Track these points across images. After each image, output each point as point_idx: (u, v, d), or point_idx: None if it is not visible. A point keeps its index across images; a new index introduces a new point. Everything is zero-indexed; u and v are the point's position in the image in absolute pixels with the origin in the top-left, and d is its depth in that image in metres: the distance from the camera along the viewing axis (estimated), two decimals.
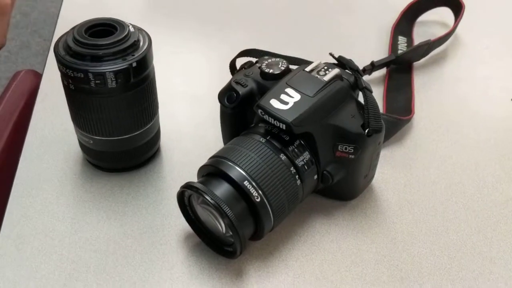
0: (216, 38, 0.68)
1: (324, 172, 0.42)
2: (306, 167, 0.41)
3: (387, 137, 0.52)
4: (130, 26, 0.44)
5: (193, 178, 0.42)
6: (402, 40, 0.66)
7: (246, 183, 0.38)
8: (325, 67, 0.43)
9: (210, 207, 0.39)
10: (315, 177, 0.42)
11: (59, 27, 0.68)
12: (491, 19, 0.73)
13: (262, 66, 0.45)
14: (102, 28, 0.43)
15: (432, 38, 0.62)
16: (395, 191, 0.48)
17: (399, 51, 0.65)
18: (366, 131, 0.41)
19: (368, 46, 0.67)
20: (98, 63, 0.41)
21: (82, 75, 0.41)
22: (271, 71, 0.44)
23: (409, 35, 0.67)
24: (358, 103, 0.43)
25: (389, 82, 0.59)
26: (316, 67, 0.43)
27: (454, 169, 0.51)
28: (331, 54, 0.45)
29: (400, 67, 0.61)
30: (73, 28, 0.43)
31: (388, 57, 0.60)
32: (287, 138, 0.41)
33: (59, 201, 0.46)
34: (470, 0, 0.67)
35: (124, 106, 0.44)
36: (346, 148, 0.41)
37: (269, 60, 0.45)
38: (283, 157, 0.40)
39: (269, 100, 0.41)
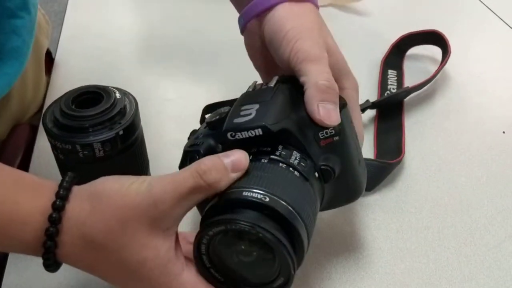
0: (209, 82, 0.69)
1: (322, 167, 0.40)
2: (302, 164, 0.38)
3: (378, 182, 0.52)
4: (117, 93, 0.45)
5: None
6: (392, 73, 0.67)
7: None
8: (264, 83, 0.43)
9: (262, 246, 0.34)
10: (316, 174, 0.39)
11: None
12: (481, 52, 0.74)
13: (207, 120, 0.43)
14: (89, 96, 0.44)
15: (423, 73, 0.63)
16: (387, 238, 0.48)
17: (389, 86, 0.65)
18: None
19: (358, 81, 0.67)
20: (85, 134, 0.42)
21: (70, 147, 0.42)
22: (217, 117, 0.41)
23: (399, 68, 0.68)
24: None
25: (379, 124, 0.59)
26: (255, 84, 0.44)
27: (446, 211, 0.51)
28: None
29: (390, 106, 0.61)
30: (60, 98, 0.44)
31: (364, 103, 0.59)
32: (269, 149, 0.38)
33: None
34: (457, 37, 0.67)
35: (113, 170, 0.44)
36: (326, 133, 0.39)
37: (214, 113, 0.43)
38: (280, 164, 0.37)
39: (232, 120, 0.39)
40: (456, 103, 0.64)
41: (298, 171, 0.37)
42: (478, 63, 0.71)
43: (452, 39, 0.66)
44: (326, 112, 0.38)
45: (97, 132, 0.42)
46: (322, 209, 0.42)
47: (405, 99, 0.63)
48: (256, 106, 0.39)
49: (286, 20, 0.43)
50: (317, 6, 0.46)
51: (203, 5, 0.84)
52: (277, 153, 0.38)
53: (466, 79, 0.68)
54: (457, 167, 0.55)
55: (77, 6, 0.85)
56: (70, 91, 0.44)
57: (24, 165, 0.60)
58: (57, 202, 0.34)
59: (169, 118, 0.63)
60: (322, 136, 0.39)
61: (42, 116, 0.44)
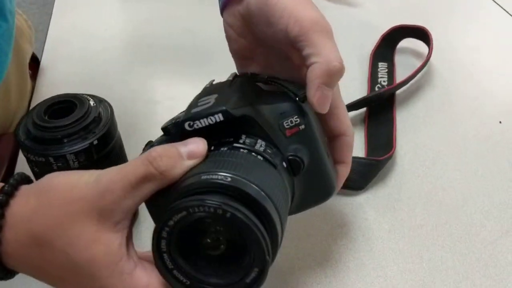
0: (199, 83, 0.67)
1: (290, 157, 0.37)
2: (268, 151, 0.35)
3: (369, 180, 0.51)
4: (91, 101, 0.43)
5: None
6: (382, 66, 0.65)
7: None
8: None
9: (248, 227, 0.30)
10: (284, 164, 0.36)
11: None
12: (473, 41, 0.71)
13: (162, 126, 0.38)
14: (63, 106, 0.43)
15: (414, 66, 0.61)
16: (378, 238, 0.47)
17: (379, 79, 0.63)
18: (297, 98, 0.37)
19: (347, 75, 0.65)
20: (58, 145, 0.40)
21: (44, 159, 0.40)
22: (172, 122, 0.38)
23: (390, 61, 0.66)
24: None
25: (369, 119, 0.58)
26: (212, 82, 0.41)
27: (441, 208, 0.49)
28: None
29: (381, 100, 0.59)
30: (33, 109, 0.43)
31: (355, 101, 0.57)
32: (231, 139, 0.35)
33: None
34: (449, 26, 0.65)
35: None
36: (291, 121, 0.37)
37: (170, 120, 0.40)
38: (241, 150, 0.34)
39: (190, 110, 0.36)
40: (450, 95, 0.62)
41: (264, 157, 0.34)
42: (470, 53, 0.69)
43: (444, 28, 0.64)
44: (322, 99, 0.35)
45: (71, 143, 0.40)
46: (294, 211, 0.39)
47: (396, 92, 0.61)
48: (215, 95, 0.36)
49: None
50: None
51: (191, 4, 0.82)
52: (240, 141, 0.35)
53: (459, 69, 0.65)
54: (451, 160, 0.53)
55: (63, 9, 0.83)
56: (42, 101, 0.43)
57: (10, 176, 0.59)
58: (1, 197, 0.32)
59: (156, 122, 0.62)
60: (287, 125, 0.37)
61: (15, 128, 0.42)
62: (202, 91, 0.39)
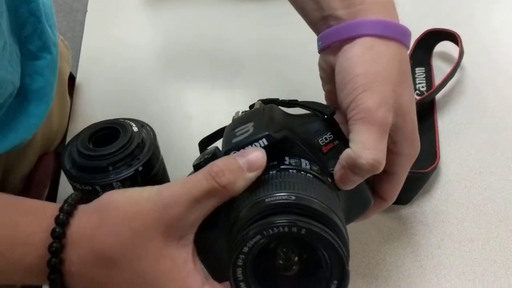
0: (233, 94, 0.67)
1: (331, 171, 0.37)
2: (314, 168, 0.35)
3: (414, 194, 0.49)
4: (134, 126, 0.43)
5: None
6: (420, 71, 0.63)
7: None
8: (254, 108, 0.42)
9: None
10: (329, 179, 0.37)
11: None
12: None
13: (193, 163, 0.36)
14: (106, 132, 0.43)
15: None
16: (429, 254, 0.45)
17: (417, 84, 0.62)
18: (325, 116, 0.38)
19: None
20: (104, 174, 0.40)
21: (90, 188, 0.41)
22: (205, 157, 0.36)
23: (427, 64, 0.64)
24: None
25: None
26: (238, 113, 0.42)
27: (491, 221, 0.47)
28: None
29: (420, 107, 0.58)
30: (77, 136, 0.43)
31: None
32: (275, 162, 0.35)
33: None
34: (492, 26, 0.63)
35: None
36: (326, 138, 0.37)
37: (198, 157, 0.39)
38: (290, 171, 0.34)
39: (231, 141, 0.36)
40: (492, 99, 0.60)
41: (313, 175, 0.34)
42: (511, 53, 0.67)
43: (482, 30, 0.62)
44: (343, 178, 0.35)
45: (116, 170, 0.41)
46: None
47: (436, 98, 0.59)
48: (251, 123, 0.37)
49: (359, 61, 0.36)
50: (407, 46, 0.39)
51: (221, 12, 0.82)
52: (286, 163, 0.35)
53: (499, 72, 0.63)
54: (499, 169, 0.52)
55: (93, 28, 0.84)
56: (86, 128, 0.43)
57: (53, 195, 0.60)
58: (61, 216, 0.32)
59: (193, 137, 0.61)
60: (322, 142, 0.37)
61: (60, 157, 0.43)
62: (232, 123, 0.39)
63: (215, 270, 0.36)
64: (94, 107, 0.68)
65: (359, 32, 0.37)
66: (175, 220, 0.31)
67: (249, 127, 0.36)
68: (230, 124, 0.39)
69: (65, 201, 0.33)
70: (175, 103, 0.67)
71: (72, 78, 0.74)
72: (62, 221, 0.32)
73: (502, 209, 0.48)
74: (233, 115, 0.42)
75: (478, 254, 0.45)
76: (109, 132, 0.43)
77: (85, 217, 0.33)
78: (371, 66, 0.36)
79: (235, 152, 0.34)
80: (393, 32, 0.37)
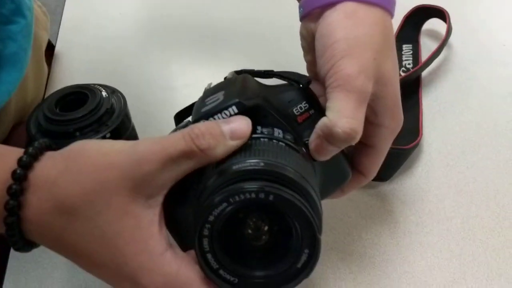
0: (217, 65, 0.65)
1: (306, 142, 0.36)
2: (287, 137, 0.34)
3: (394, 170, 0.48)
4: (103, 92, 0.41)
5: None
6: (407, 48, 0.62)
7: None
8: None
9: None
10: (304, 149, 0.35)
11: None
12: (504, 20, 0.67)
13: None
14: (74, 97, 0.41)
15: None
16: (406, 232, 0.44)
17: (404, 61, 0.60)
18: (301, 85, 0.37)
19: None
20: (71, 139, 0.38)
21: None
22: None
23: (415, 41, 0.62)
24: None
25: None
26: (210, 85, 0.40)
27: (471, 199, 0.46)
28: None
29: (405, 83, 0.56)
30: (43, 101, 0.41)
31: None
32: None
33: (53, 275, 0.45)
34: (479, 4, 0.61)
35: None
36: (301, 108, 0.36)
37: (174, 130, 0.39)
38: (261, 139, 0.33)
39: (200, 110, 0.35)
40: (479, 78, 0.58)
41: (286, 143, 0.33)
42: (501, 33, 0.65)
43: (472, 7, 0.61)
44: (318, 148, 0.34)
45: (83, 136, 0.39)
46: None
47: (422, 76, 0.58)
48: (221, 92, 0.35)
49: (340, 26, 0.35)
50: (391, 14, 0.37)
51: None
52: (258, 131, 0.33)
53: (489, 49, 0.62)
54: (482, 148, 0.51)
55: None
56: (53, 93, 0.42)
57: None
58: (24, 158, 0.30)
59: (172, 110, 0.60)
60: (297, 112, 0.36)
61: (26, 122, 0.41)
62: (203, 94, 0.38)
63: (182, 239, 0.35)
64: (73, 76, 0.66)
65: None
66: (146, 176, 0.29)
67: (220, 95, 0.35)
68: (201, 95, 0.38)
69: (31, 145, 0.31)
70: (157, 74, 0.65)
71: (51, 47, 0.72)
72: (25, 163, 0.30)
73: (483, 188, 0.47)
74: (205, 86, 0.40)
75: (456, 233, 0.44)
76: (77, 97, 0.41)
77: (50, 162, 0.31)
78: (351, 32, 0.34)
79: (203, 122, 0.33)
80: None
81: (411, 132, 0.52)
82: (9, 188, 0.30)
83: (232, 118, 0.32)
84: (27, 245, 0.32)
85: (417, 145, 0.50)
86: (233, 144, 0.31)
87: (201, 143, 0.30)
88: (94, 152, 0.31)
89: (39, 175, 0.30)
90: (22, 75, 0.53)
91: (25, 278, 0.44)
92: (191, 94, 0.61)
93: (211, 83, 0.40)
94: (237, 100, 0.33)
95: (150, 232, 0.30)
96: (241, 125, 0.31)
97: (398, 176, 0.49)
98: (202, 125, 0.31)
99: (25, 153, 0.31)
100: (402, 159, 0.49)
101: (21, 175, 0.30)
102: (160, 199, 0.31)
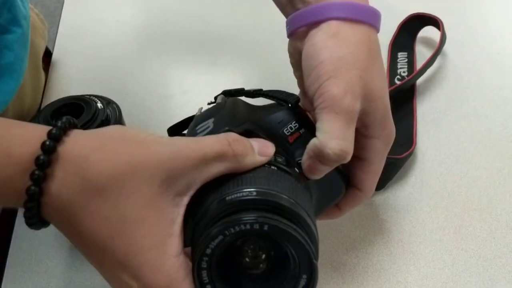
0: (215, 74, 0.65)
1: (299, 161, 0.36)
2: (279, 159, 0.34)
3: (388, 179, 0.49)
4: (98, 103, 0.42)
5: None
6: (402, 56, 0.62)
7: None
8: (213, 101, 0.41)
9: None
10: (297, 170, 0.36)
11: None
12: (498, 29, 0.68)
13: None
14: (70, 109, 0.42)
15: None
16: (399, 242, 0.45)
17: (399, 69, 0.61)
18: (289, 105, 0.38)
19: None
20: None
21: None
22: None
23: (411, 49, 0.63)
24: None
25: None
26: (201, 110, 0.40)
27: (464, 209, 0.47)
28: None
29: (399, 92, 0.57)
30: (39, 113, 0.42)
31: None
32: None
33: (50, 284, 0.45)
34: (473, 14, 0.62)
35: None
36: (291, 128, 0.37)
37: None
38: None
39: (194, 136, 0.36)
40: (473, 86, 0.58)
41: (277, 167, 0.33)
42: (496, 40, 0.65)
43: (467, 16, 0.61)
44: (311, 168, 0.34)
45: None
46: (316, 215, 0.37)
47: (417, 84, 0.58)
48: (211, 119, 0.36)
49: (324, 46, 0.35)
50: (376, 29, 0.37)
51: None
52: None
53: (484, 58, 0.62)
54: (475, 158, 0.51)
55: (73, 4, 0.82)
56: (49, 105, 0.42)
57: None
58: (53, 131, 0.30)
59: (170, 118, 0.60)
60: (288, 132, 0.37)
61: None
62: (194, 120, 0.38)
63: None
64: (70, 84, 0.67)
65: (324, 16, 0.35)
66: (180, 171, 0.29)
67: (210, 123, 0.36)
68: (192, 122, 0.38)
69: (60, 120, 0.31)
70: (154, 82, 0.65)
71: (49, 54, 0.72)
72: (55, 136, 0.30)
73: (477, 198, 0.47)
74: (208, 102, 0.41)
75: (449, 243, 0.44)
76: (73, 108, 0.42)
77: (81, 138, 0.31)
78: (335, 52, 0.35)
79: None
80: (360, 15, 0.36)
81: (405, 141, 0.52)
82: (37, 159, 0.29)
83: (258, 139, 0.33)
84: (40, 222, 0.31)
85: (410, 154, 0.50)
86: (259, 159, 0.32)
87: (236, 148, 0.31)
88: (132, 137, 0.31)
89: (69, 149, 0.30)
90: (18, 85, 0.53)
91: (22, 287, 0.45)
92: (188, 102, 0.62)
93: (201, 108, 0.40)
94: (226, 128, 0.34)
95: (170, 231, 0.29)
96: (267, 144, 0.33)
97: (392, 185, 0.49)
98: (235, 135, 0.32)
99: (54, 126, 0.30)
100: (396, 168, 0.49)
101: (50, 147, 0.29)
102: (186, 200, 0.30)
